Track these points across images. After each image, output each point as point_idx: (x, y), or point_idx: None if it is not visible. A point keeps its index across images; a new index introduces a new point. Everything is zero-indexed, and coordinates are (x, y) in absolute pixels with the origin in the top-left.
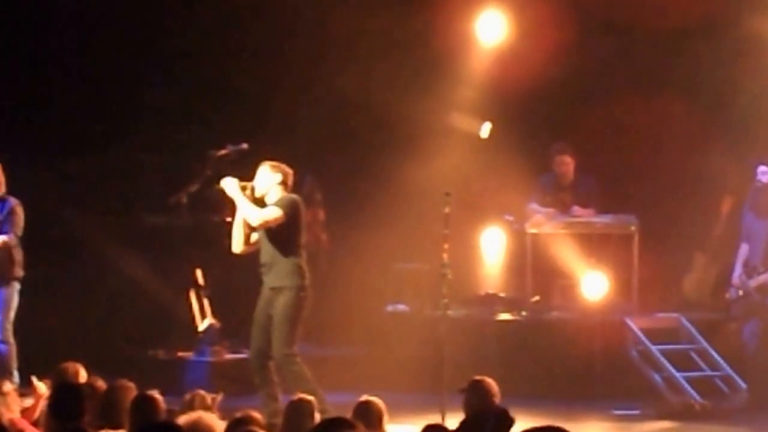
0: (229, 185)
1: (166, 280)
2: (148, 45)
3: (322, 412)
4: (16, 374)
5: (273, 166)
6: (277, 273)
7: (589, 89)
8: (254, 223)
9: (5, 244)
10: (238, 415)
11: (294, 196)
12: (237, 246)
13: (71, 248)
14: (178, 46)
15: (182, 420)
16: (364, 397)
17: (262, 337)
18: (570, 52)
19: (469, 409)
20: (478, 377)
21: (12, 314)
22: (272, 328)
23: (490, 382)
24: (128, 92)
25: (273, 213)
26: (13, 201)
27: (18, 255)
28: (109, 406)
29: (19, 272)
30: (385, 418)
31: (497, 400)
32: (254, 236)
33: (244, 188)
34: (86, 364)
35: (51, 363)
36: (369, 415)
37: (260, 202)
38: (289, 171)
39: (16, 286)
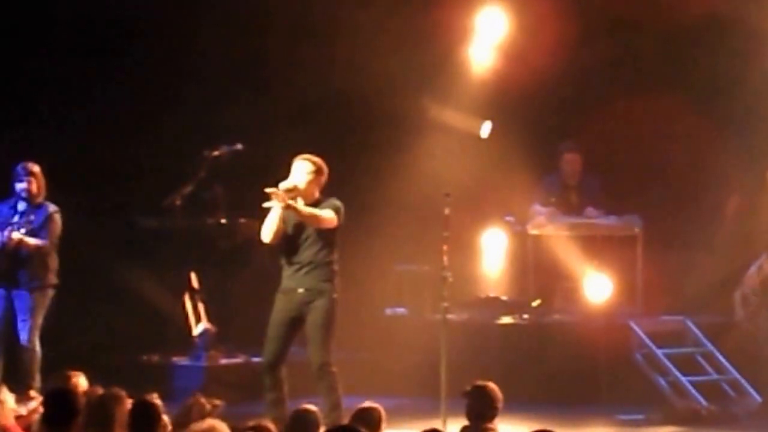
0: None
1: (161, 283)
2: (150, 47)
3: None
4: (38, 379)
5: (307, 160)
6: (318, 275)
7: (592, 88)
8: (321, 225)
9: (39, 248)
10: (251, 423)
11: (340, 203)
12: (269, 237)
13: (64, 252)
14: (177, 47)
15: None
16: (365, 404)
17: (281, 340)
18: (573, 50)
19: (472, 415)
20: (480, 382)
21: (40, 320)
22: (310, 334)
23: (494, 387)
24: (127, 95)
25: (329, 215)
26: (51, 208)
27: (53, 262)
28: (99, 413)
29: (54, 279)
30: (384, 425)
31: (500, 405)
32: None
33: (290, 190)
34: (79, 369)
35: (44, 368)
36: (368, 422)
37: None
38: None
39: (50, 293)
